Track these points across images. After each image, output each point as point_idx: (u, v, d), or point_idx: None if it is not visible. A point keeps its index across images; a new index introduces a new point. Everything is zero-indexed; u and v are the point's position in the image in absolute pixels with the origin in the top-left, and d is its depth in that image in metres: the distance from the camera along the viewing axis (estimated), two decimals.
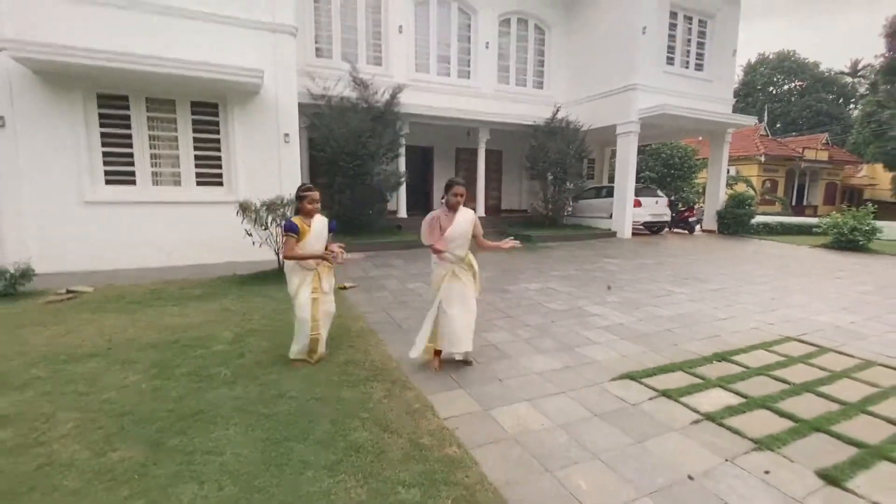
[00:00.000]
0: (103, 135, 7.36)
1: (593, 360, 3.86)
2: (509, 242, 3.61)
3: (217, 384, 3.17)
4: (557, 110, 13.23)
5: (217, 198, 8.01)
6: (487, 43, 13.29)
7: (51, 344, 3.91)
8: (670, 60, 12.85)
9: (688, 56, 13.29)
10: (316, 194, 3.55)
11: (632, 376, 3.53)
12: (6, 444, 2.42)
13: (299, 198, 3.54)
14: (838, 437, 2.72)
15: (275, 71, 8.11)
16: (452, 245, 3.44)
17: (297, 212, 3.58)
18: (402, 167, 11.75)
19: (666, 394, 3.24)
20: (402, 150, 11.57)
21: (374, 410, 2.86)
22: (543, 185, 13.30)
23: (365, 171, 9.86)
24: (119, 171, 7.52)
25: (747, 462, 2.47)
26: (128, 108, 7.47)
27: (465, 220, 3.48)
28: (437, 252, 3.43)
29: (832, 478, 2.34)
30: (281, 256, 3.13)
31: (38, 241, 6.85)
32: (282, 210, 6.29)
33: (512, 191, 16.88)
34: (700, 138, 18.20)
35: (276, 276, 6.66)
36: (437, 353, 3.61)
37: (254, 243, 6.56)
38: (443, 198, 3.51)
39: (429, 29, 12.68)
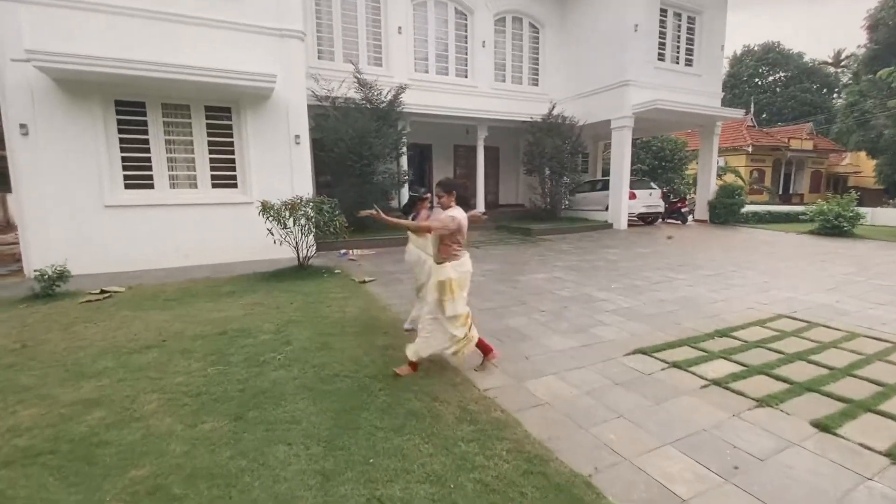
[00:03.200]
0: (121, 140, 7.60)
1: (606, 339, 4.25)
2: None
3: (274, 367, 3.50)
4: (553, 107, 13.61)
5: (232, 199, 8.29)
6: (484, 42, 13.61)
7: (107, 338, 4.21)
8: (661, 56, 13.27)
9: (678, 52, 13.73)
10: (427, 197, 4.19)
11: (643, 351, 3.93)
12: (106, 421, 2.73)
13: (419, 200, 4.23)
14: (828, 395, 3.13)
15: (285, 75, 8.37)
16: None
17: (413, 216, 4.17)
18: (405, 165, 12.07)
19: (676, 365, 3.64)
20: (405, 150, 11.88)
21: (422, 385, 3.22)
22: (541, 180, 13.70)
23: (371, 171, 10.18)
24: (137, 175, 7.76)
25: (751, 416, 2.87)
26: (144, 113, 7.70)
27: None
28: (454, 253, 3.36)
29: (824, 426, 2.74)
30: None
31: (61, 245, 7.06)
32: (303, 210, 6.59)
33: (509, 186, 17.28)
34: (690, 130, 18.71)
35: (295, 273, 6.98)
36: (412, 364, 3.44)
37: (275, 242, 6.85)
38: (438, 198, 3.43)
39: (427, 29, 12.96)
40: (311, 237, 7.17)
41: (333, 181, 10.52)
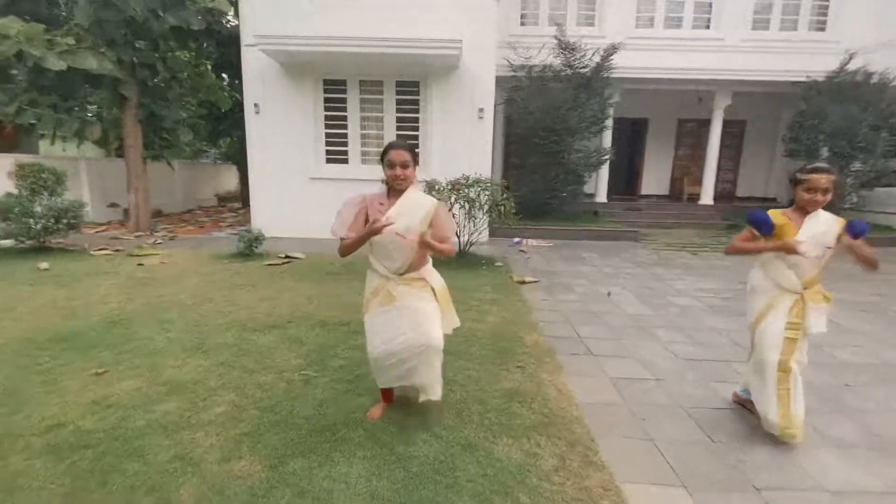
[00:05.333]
0: (326, 118, 8.20)
1: None
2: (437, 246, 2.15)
3: (358, 392, 2.75)
4: (849, 59, 9.32)
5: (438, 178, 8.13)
6: None
7: (250, 308, 4.26)
8: None
9: None
10: (816, 178, 2.14)
11: None
12: (166, 419, 2.41)
13: (795, 181, 2.24)
14: None
15: (473, 43, 7.62)
16: (380, 250, 2.24)
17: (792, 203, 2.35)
18: (608, 142, 10.11)
19: None
20: (609, 123, 9.90)
21: (538, 493, 1.94)
22: None
23: (561, 149, 8.69)
24: (335, 150, 8.31)
25: None
26: (345, 91, 8.11)
27: (413, 208, 2.18)
28: (351, 249, 2.18)
29: None
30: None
31: (275, 211, 8.09)
32: (465, 190, 5.79)
33: (756, 173, 13.05)
34: None
35: (452, 262, 6.28)
36: (386, 395, 2.54)
37: None
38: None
39: None
40: (476, 222, 6.33)
41: (519, 161, 9.47)
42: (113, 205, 10.13)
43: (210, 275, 5.48)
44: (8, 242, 6.30)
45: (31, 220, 6.01)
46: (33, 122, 7.58)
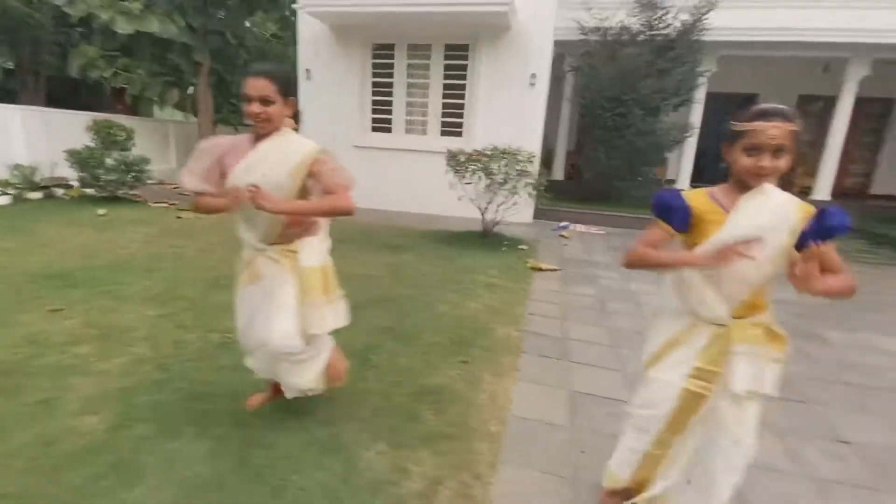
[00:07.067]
0: (373, 84, 8.00)
1: None
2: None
3: None
4: None
5: (458, 147, 7.66)
6: None
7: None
8: None
9: None
10: (763, 129, 1.17)
11: None
12: (69, 361, 2.39)
13: (729, 138, 1.28)
14: None
15: (530, 1, 6.81)
16: (239, 213, 1.74)
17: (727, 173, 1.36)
18: (695, 118, 8.65)
19: None
20: (697, 95, 8.42)
21: None
22: None
23: (630, 122, 7.54)
24: (381, 118, 8.11)
25: None
26: (392, 56, 7.81)
27: (278, 157, 1.68)
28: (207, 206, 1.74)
29: None
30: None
31: None
32: (481, 161, 5.22)
33: None
34: None
35: (473, 240, 5.84)
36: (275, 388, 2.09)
37: (459, 198, 5.80)
38: None
39: None
40: (503, 198, 5.73)
41: (581, 137, 8.50)
42: None
43: (231, 230, 5.64)
44: (85, 190, 7.12)
45: (102, 171, 6.69)
46: (125, 85, 8.44)
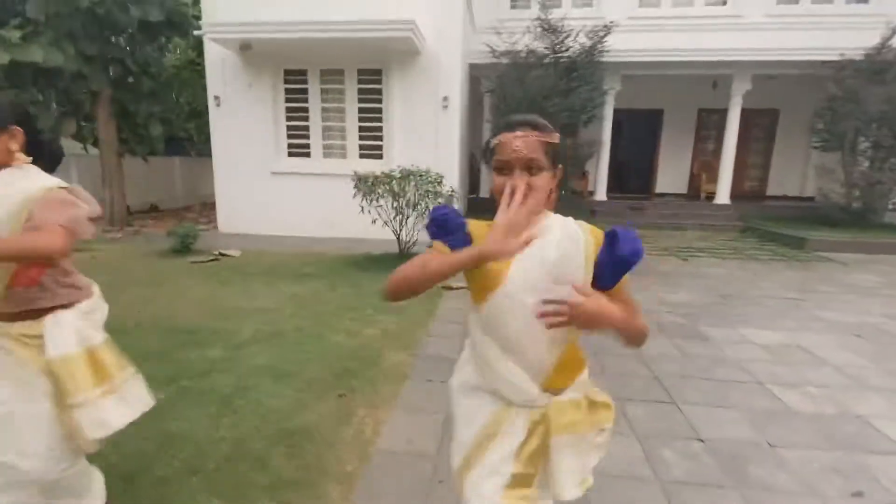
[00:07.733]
0: (287, 109, 7.85)
1: None
2: None
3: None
4: (893, 34, 7.87)
5: (375, 170, 7.63)
6: None
7: (123, 305, 3.90)
8: None
9: None
10: (508, 142, 0.95)
11: None
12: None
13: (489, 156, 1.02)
14: None
15: (437, 27, 7.02)
16: None
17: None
18: (605, 135, 9.17)
19: None
20: (605, 113, 8.96)
21: None
22: (844, 160, 8.30)
23: None
24: (297, 143, 7.95)
25: None
26: (306, 81, 7.72)
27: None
28: None
29: None
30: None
31: (237, 206, 7.85)
32: (389, 184, 5.20)
33: (790, 168, 11.51)
34: None
35: (386, 262, 5.75)
36: None
37: (373, 221, 5.73)
38: None
39: None
40: (415, 220, 5.74)
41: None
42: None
43: (119, 271, 5.22)
44: None
45: None
46: None
